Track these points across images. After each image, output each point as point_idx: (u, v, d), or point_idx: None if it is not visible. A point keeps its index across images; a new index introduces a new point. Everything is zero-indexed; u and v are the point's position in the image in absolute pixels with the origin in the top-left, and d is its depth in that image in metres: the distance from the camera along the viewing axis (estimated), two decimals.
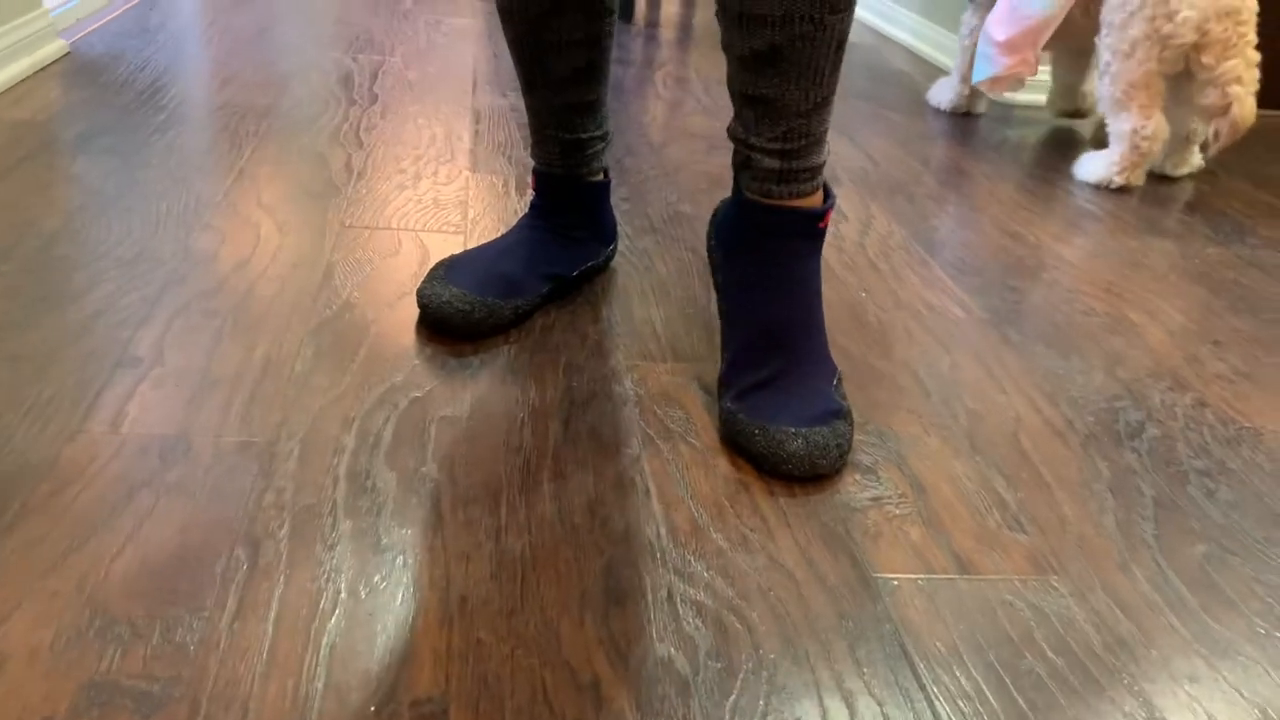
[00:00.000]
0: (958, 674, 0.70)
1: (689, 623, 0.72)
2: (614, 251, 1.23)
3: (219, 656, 0.66)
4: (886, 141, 1.85)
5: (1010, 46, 1.79)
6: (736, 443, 0.91)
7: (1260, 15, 1.60)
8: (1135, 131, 1.66)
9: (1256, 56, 1.59)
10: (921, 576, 0.79)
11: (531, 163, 1.14)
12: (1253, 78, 1.60)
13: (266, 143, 1.57)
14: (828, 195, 0.95)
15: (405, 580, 0.74)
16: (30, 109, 1.62)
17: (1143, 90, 1.65)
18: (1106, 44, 1.67)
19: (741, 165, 0.94)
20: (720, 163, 1.65)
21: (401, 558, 0.76)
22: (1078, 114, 2.07)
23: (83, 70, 1.84)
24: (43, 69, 1.83)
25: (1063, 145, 1.92)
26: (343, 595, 0.72)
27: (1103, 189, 1.70)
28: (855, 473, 0.90)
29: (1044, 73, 2.14)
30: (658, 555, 0.78)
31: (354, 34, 2.29)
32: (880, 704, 0.67)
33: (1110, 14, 1.66)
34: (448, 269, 1.08)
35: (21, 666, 0.64)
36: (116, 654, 0.65)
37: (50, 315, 1.04)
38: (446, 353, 1.03)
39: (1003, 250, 1.41)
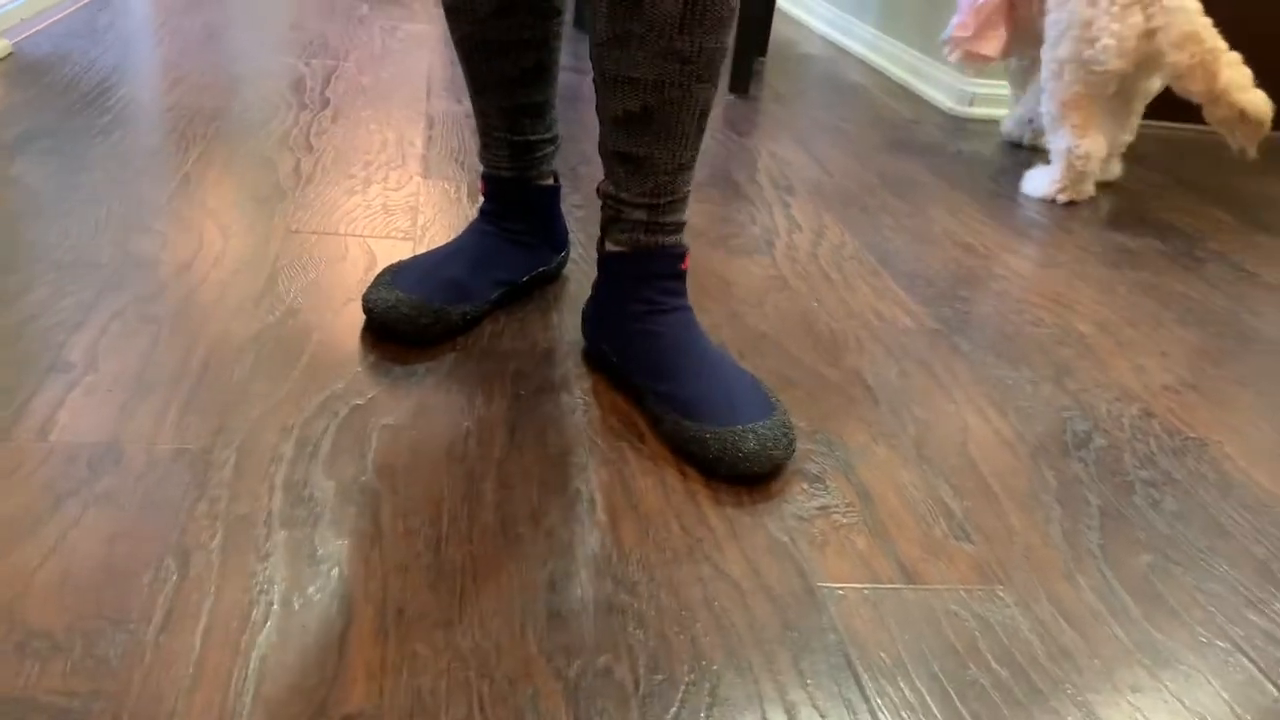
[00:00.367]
0: (901, 685, 0.69)
1: (631, 634, 0.71)
2: (566, 259, 1.21)
3: (143, 670, 0.64)
4: (842, 153, 1.85)
5: (976, 10, 1.80)
6: (689, 451, 0.90)
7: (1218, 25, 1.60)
8: (1070, 151, 1.67)
9: (1236, 57, 1.57)
10: (867, 586, 0.78)
11: (482, 167, 1.13)
12: (1245, 74, 1.56)
13: (214, 146, 1.54)
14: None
15: (340, 592, 0.72)
16: None
17: (1074, 110, 1.66)
18: (1044, 60, 1.69)
19: (610, 220, 0.99)
20: None
21: (337, 569, 0.74)
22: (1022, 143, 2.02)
23: (26, 70, 1.80)
24: None
25: (1016, 158, 1.93)
26: (275, 607, 0.70)
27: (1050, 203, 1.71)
28: (803, 481, 0.90)
29: (1004, 88, 2.16)
30: (602, 566, 0.77)
31: (308, 39, 2.26)
32: (823, 715, 0.66)
33: (1048, 29, 1.68)
34: (394, 274, 1.06)
35: None
36: (35, 669, 0.63)
37: None
38: (391, 360, 1.01)
39: (954, 261, 1.41)
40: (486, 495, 0.83)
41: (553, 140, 1.11)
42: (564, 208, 1.44)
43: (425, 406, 0.94)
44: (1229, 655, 0.75)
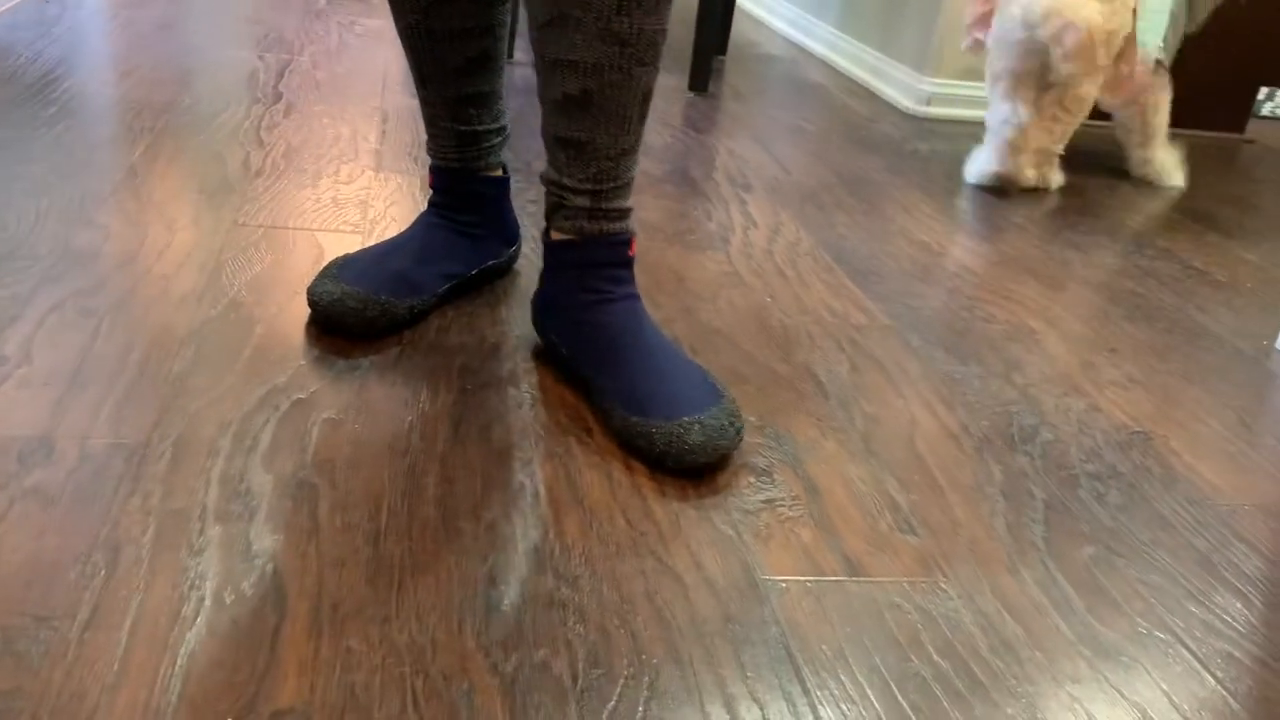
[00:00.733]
0: (842, 677, 0.69)
1: (571, 629, 0.70)
2: (517, 253, 1.20)
3: (65, 667, 0.62)
4: (800, 151, 1.85)
5: None
6: (636, 446, 0.89)
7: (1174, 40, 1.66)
8: (1002, 122, 1.73)
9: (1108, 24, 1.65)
10: (810, 579, 0.78)
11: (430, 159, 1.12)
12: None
13: (162, 139, 1.51)
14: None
15: (274, 587, 0.70)
16: None
17: (1000, 81, 1.74)
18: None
19: (554, 208, 0.98)
20: None
21: (272, 564, 0.72)
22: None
23: None
24: None
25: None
26: (206, 603, 0.68)
27: (1005, 194, 1.72)
28: (750, 475, 0.89)
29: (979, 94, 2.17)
30: (544, 560, 0.76)
31: (263, 32, 2.23)
32: (762, 708, 0.66)
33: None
34: (341, 266, 1.05)
35: None
36: None
37: None
38: (335, 354, 1.00)
39: (907, 258, 1.42)
40: (428, 489, 0.82)
41: (500, 131, 1.10)
42: (517, 203, 1.43)
43: (368, 401, 0.93)
44: (1169, 646, 0.76)
